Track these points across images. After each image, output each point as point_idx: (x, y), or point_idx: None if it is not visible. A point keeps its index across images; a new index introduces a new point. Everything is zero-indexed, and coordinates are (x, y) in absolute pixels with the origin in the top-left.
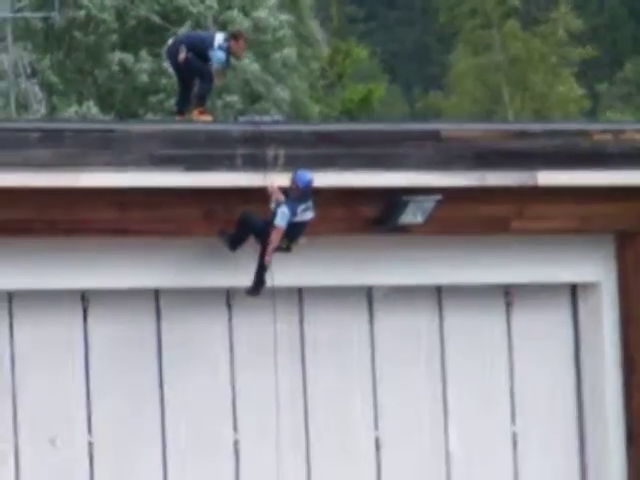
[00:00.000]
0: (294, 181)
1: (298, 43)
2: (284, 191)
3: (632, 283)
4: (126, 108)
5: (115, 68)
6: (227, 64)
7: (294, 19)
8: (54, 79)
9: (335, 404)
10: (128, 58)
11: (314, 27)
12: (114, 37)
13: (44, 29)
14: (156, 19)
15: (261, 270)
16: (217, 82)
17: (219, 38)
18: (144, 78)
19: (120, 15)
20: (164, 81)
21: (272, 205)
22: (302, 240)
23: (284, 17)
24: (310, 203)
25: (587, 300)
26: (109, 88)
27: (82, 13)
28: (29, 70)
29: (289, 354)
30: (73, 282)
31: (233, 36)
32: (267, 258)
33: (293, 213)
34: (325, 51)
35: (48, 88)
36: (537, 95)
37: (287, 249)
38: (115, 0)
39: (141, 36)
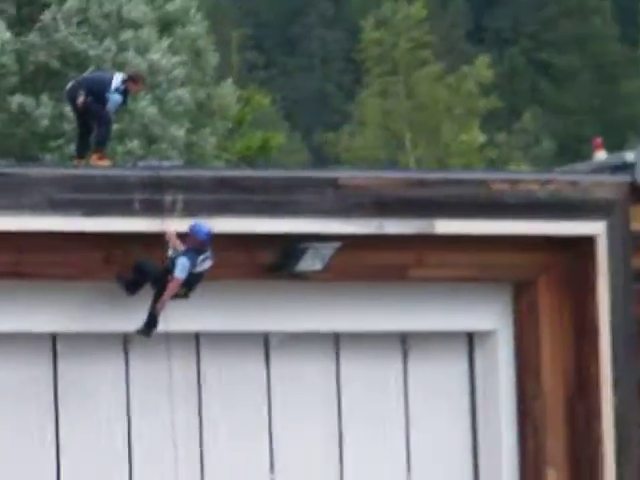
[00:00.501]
0: (193, 233)
1: (193, 86)
2: (182, 238)
3: (527, 332)
4: (25, 152)
5: (14, 111)
6: (124, 105)
7: (189, 60)
8: None
9: (231, 447)
10: (28, 102)
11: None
12: (14, 79)
13: None
14: (56, 64)
15: (154, 313)
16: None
17: (117, 80)
18: (45, 122)
19: (20, 58)
20: (65, 126)
21: (170, 252)
22: None
23: (176, 59)
24: (209, 253)
25: (483, 348)
26: (7, 132)
27: None
28: None
29: (185, 398)
30: None
31: (131, 78)
32: (159, 306)
33: (193, 264)
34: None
35: None
36: (441, 143)
37: (185, 296)
38: (14, 45)
39: (41, 80)
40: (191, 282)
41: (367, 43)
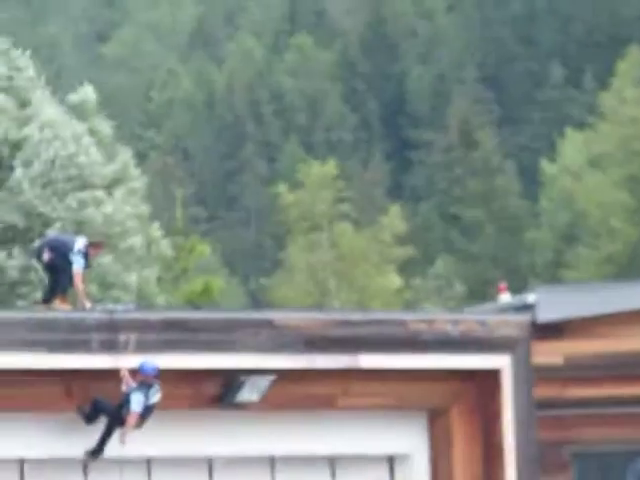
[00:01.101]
0: (142, 371)
1: (143, 239)
2: (133, 374)
3: (441, 455)
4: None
5: None
6: (86, 266)
7: (138, 214)
8: None
9: None
10: (0, 255)
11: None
12: None
13: None
14: (21, 223)
15: (104, 441)
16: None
17: (79, 244)
18: (14, 273)
19: None
20: (32, 275)
21: (124, 388)
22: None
23: (129, 210)
24: (157, 386)
25: (403, 470)
26: None
27: None
28: None
29: None
30: None
31: (92, 244)
32: (122, 439)
33: (146, 398)
34: (167, 249)
35: None
36: (359, 288)
37: (138, 427)
38: None
39: (11, 235)
40: (144, 414)
41: (285, 207)
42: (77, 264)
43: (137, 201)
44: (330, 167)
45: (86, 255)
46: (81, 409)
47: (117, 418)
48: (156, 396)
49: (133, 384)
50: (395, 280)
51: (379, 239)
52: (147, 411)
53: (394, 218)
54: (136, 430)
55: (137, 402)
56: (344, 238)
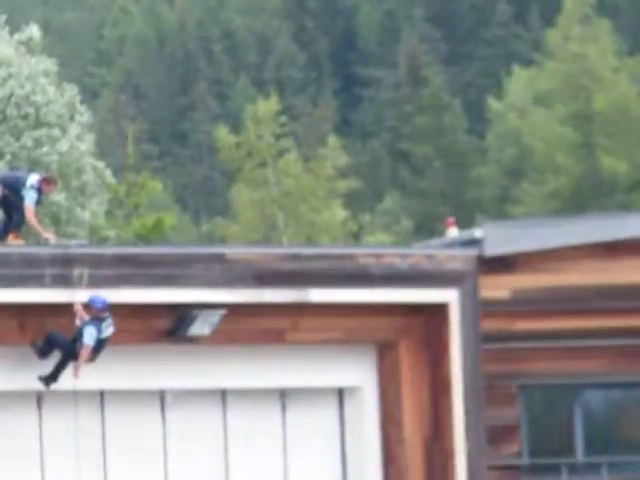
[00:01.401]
0: (91, 304)
1: (96, 174)
2: (86, 309)
3: (390, 388)
4: None
5: None
6: (39, 202)
7: (94, 150)
8: None
9: None
10: None
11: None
12: None
13: None
14: None
15: (58, 371)
16: (29, 218)
17: (32, 179)
18: None
19: None
20: None
21: (78, 322)
22: None
23: (84, 147)
24: (110, 320)
25: (352, 402)
26: None
27: None
28: None
29: (90, 451)
30: None
31: (45, 180)
32: (76, 372)
33: (98, 331)
34: (113, 185)
35: None
36: (307, 223)
37: (92, 360)
38: None
39: None
40: (97, 347)
41: (228, 147)
42: (29, 199)
43: (88, 137)
44: (272, 103)
45: (39, 190)
46: (35, 344)
47: (71, 352)
48: (108, 330)
49: (86, 318)
50: (340, 213)
51: (323, 173)
52: (100, 345)
53: (333, 150)
54: (89, 363)
55: (89, 335)
56: (289, 173)
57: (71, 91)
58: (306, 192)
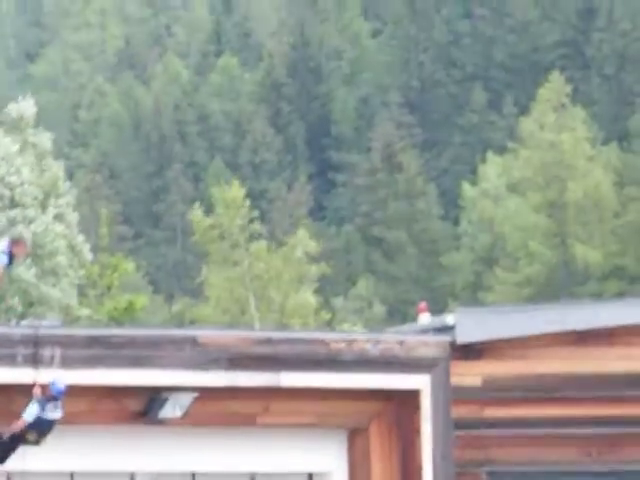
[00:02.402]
0: (49, 387)
1: (69, 254)
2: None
3: (360, 473)
4: None
5: None
6: (9, 264)
7: (66, 232)
8: None
9: None
10: None
11: (81, 243)
12: None
13: None
14: None
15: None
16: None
17: (1, 244)
18: None
19: None
20: None
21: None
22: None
23: (59, 229)
24: (59, 403)
25: None
26: None
27: None
28: None
29: None
30: None
31: (14, 241)
32: (2, 437)
33: (42, 409)
34: (90, 264)
35: None
36: (276, 306)
37: (36, 443)
38: None
39: None
40: (42, 428)
41: (203, 231)
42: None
43: (67, 214)
44: (236, 189)
45: (10, 254)
46: None
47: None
48: (56, 413)
49: (39, 396)
50: (310, 299)
51: (293, 258)
52: (45, 425)
53: (303, 238)
54: (36, 446)
55: (29, 411)
56: (260, 257)
57: (57, 167)
58: (276, 276)
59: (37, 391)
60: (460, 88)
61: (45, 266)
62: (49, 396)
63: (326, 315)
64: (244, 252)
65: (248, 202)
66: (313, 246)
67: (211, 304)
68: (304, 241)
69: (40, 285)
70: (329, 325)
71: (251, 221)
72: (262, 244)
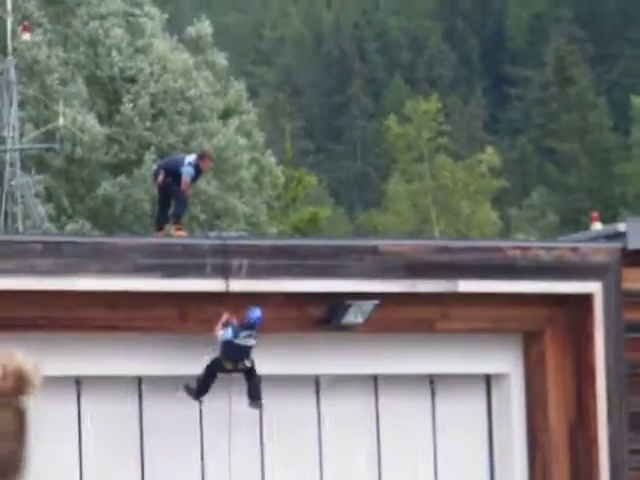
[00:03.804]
0: (246, 315)
1: (253, 169)
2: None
3: (536, 374)
4: (120, 223)
5: (110, 190)
6: (195, 178)
7: (251, 145)
8: (55, 201)
9: (288, 474)
10: (122, 181)
11: (272, 162)
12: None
13: (47, 159)
14: (133, 155)
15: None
16: (186, 190)
17: (189, 158)
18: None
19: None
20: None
21: (219, 332)
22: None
23: (242, 142)
24: (254, 332)
25: (499, 389)
26: (105, 207)
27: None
28: (33, 192)
29: (251, 432)
30: (70, 369)
31: (200, 156)
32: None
33: (235, 335)
34: (280, 178)
35: (51, 208)
36: (461, 218)
37: (233, 370)
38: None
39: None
40: (234, 355)
41: (393, 138)
42: (186, 174)
43: (250, 132)
44: (433, 102)
45: (196, 167)
46: (189, 388)
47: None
48: (249, 340)
49: (234, 322)
50: (490, 212)
51: (475, 172)
52: (238, 352)
53: (490, 155)
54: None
55: (222, 334)
56: (443, 169)
57: (238, 86)
58: (459, 188)
59: (231, 319)
60: (631, 2)
61: (229, 181)
62: (245, 324)
63: (500, 225)
64: (428, 164)
65: (439, 117)
66: (497, 161)
67: (394, 214)
68: (489, 156)
69: (225, 197)
70: (504, 235)
71: (440, 134)
72: (447, 157)
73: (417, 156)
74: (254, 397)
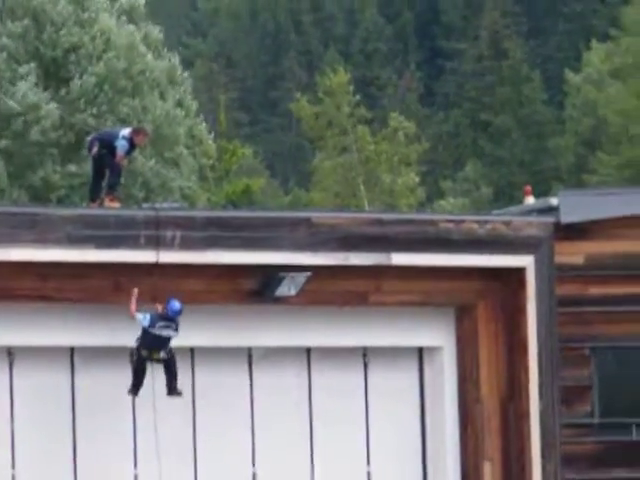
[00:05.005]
0: (165, 306)
1: (188, 141)
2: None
3: (468, 347)
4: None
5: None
6: (130, 152)
7: (186, 119)
8: None
9: (220, 445)
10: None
11: (203, 129)
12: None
13: None
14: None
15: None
16: (121, 163)
17: (124, 131)
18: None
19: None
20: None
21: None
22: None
23: (179, 114)
24: (173, 324)
25: (431, 361)
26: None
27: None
28: None
29: (183, 404)
30: (1, 339)
31: (136, 131)
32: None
33: (151, 324)
34: (212, 149)
35: None
36: (384, 189)
37: (148, 359)
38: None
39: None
40: (151, 343)
41: (308, 118)
42: (121, 148)
43: (186, 100)
44: (340, 76)
45: (131, 141)
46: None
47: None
48: (165, 331)
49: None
50: (412, 178)
51: (396, 141)
52: (154, 341)
53: (398, 119)
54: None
55: (138, 319)
56: (366, 142)
57: (173, 58)
58: (382, 159)
59: (157, 307)
60: None
61: (166, 156)
62: (163, 314)
63: (424, 191)
64: (352, 137)
65: (352, 88)
66: (410, 126)
67: (324, 188)
68: (402, 123)
69: (160, 172)
70: (430, 202)
71: (357, 105)
72: (364, 128)
73: (340, 130)
74: (171, 389)
